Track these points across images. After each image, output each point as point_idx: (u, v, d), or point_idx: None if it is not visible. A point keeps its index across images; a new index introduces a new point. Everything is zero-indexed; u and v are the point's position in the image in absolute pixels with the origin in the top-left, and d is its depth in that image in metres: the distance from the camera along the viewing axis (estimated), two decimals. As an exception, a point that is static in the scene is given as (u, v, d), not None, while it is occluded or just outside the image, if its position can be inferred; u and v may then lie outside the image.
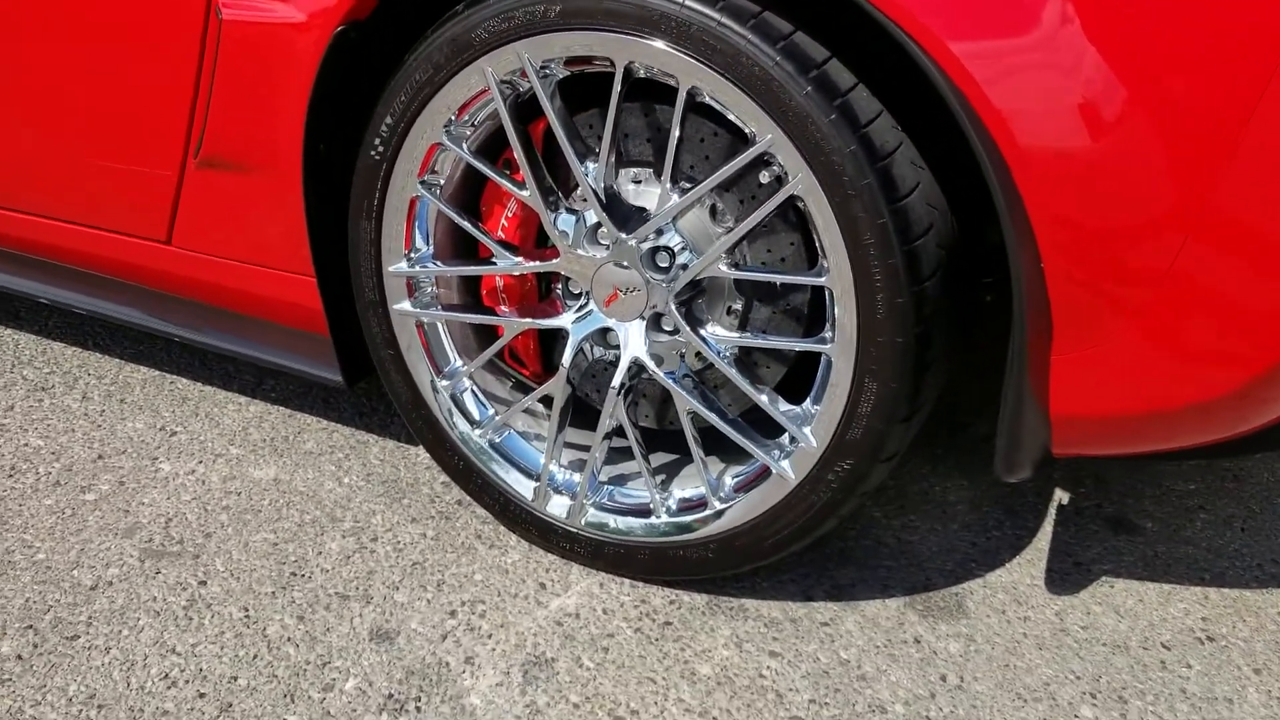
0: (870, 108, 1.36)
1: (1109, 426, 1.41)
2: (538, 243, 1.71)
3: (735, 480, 1.62)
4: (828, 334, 1.47)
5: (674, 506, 1.66)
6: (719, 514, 1.61)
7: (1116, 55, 1.22)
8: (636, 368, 1.61)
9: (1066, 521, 1.87)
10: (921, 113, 1.40)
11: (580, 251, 1.59)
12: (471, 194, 1.70)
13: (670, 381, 1.60)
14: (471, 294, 1.77)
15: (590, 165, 1.53)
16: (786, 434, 1.55)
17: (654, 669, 1.58)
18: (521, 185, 1.58)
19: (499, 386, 1.79)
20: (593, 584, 1.72)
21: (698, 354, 1.60)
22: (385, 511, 1.86)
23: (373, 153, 1.61)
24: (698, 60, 1.38)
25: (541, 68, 1.48)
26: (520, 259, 1.64)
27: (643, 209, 1.56)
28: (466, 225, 1.64)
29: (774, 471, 1.55)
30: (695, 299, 1.58)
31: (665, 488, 1.68)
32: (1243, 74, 1.19)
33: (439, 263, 1.69)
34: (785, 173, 1.41)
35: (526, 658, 1.59)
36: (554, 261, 1.61)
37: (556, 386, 1.66)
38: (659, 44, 1.39)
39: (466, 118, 1.57)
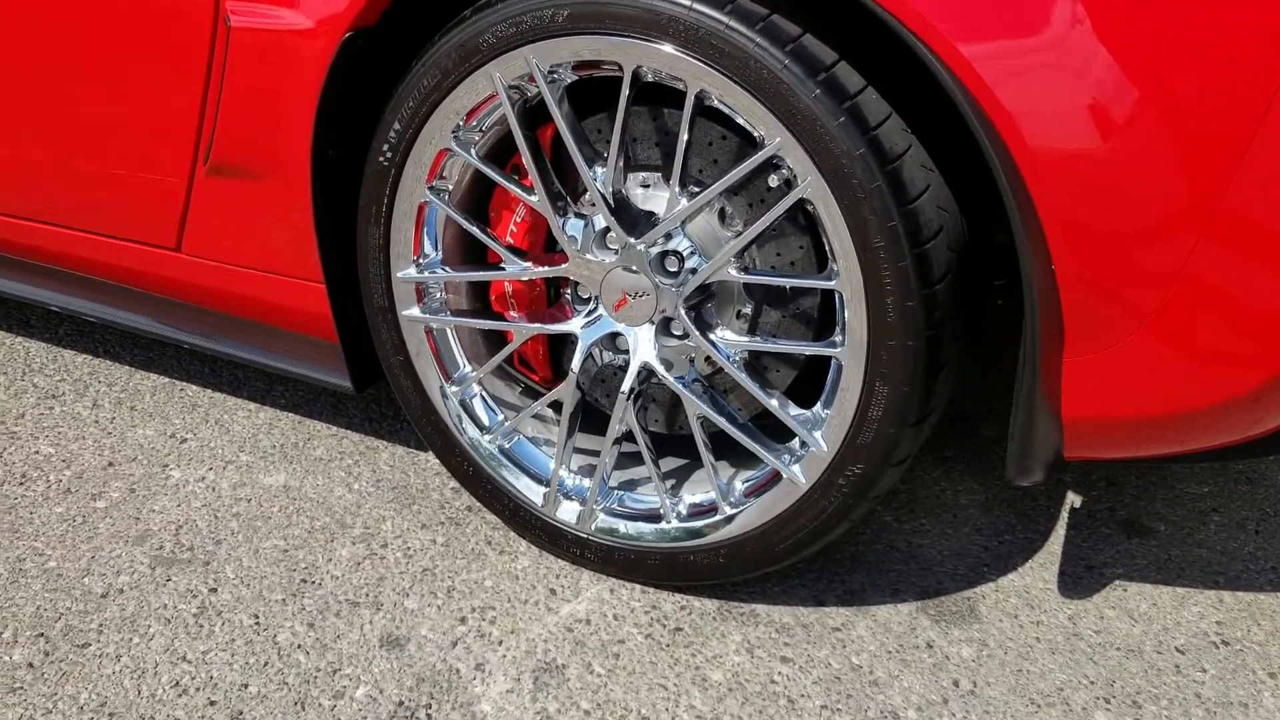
0: (879, 110, 1.36)
1: (1121, 429, 1.40)
2: (546, 248, 1.71)
3: (746, 485, 1.62)
4: (838, 338, 1.46)
5: (684, 512, 1.66)
6: (729, 519, 1.61)
7: (1127, 56, 1.21)
8: (646, 372, 1.61)
9: (1079, 525, 1.86)
10: (931, 115, 1.40)
11: (589, 256, 1.58)
12: (480, 199, 1.70)
13: (680, 386, 1.59)
14: (480, 299, 1.76)
15: (598, 170, 1.53)
16: (797, 438, 1.54)
17: (665, 675, 1.57)
18: (530, 190, 1.58)
19: (508, 392, 1.79)
20: (603, 590, 1.71)
21: (707, 358, 1.60)
22: (395, 518, 1.86)
23: (381, 158, 1.61)
24: (706, 64, 1.38)
25: (549, 72, 1.48)
26: (529, 264, 1.64)
27: (651, 213, 1.56)
28: (475, 231, 1.64)
29: (784, 476, 1.55)
30: (704, 303, 1.58)
31: (675, 493, 1.68)
32: (1253, 73, 1.18)
33: (448, 268, 1.69)
34: (794, 176, 1.40)
35: (537, 664, 1.59)
36: (563, 266, 1.61)
37: (566, 392, 1.66)
38: (667, 48, 1.39)
39: (474, 123, 1.57)
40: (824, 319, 1.55)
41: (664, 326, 1.61)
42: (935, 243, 1.38)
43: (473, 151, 1.59)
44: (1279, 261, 1.24)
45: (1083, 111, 1.23)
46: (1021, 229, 1.30)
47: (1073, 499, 1.92)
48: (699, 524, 1.63)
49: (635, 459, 1.69)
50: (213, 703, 1.52)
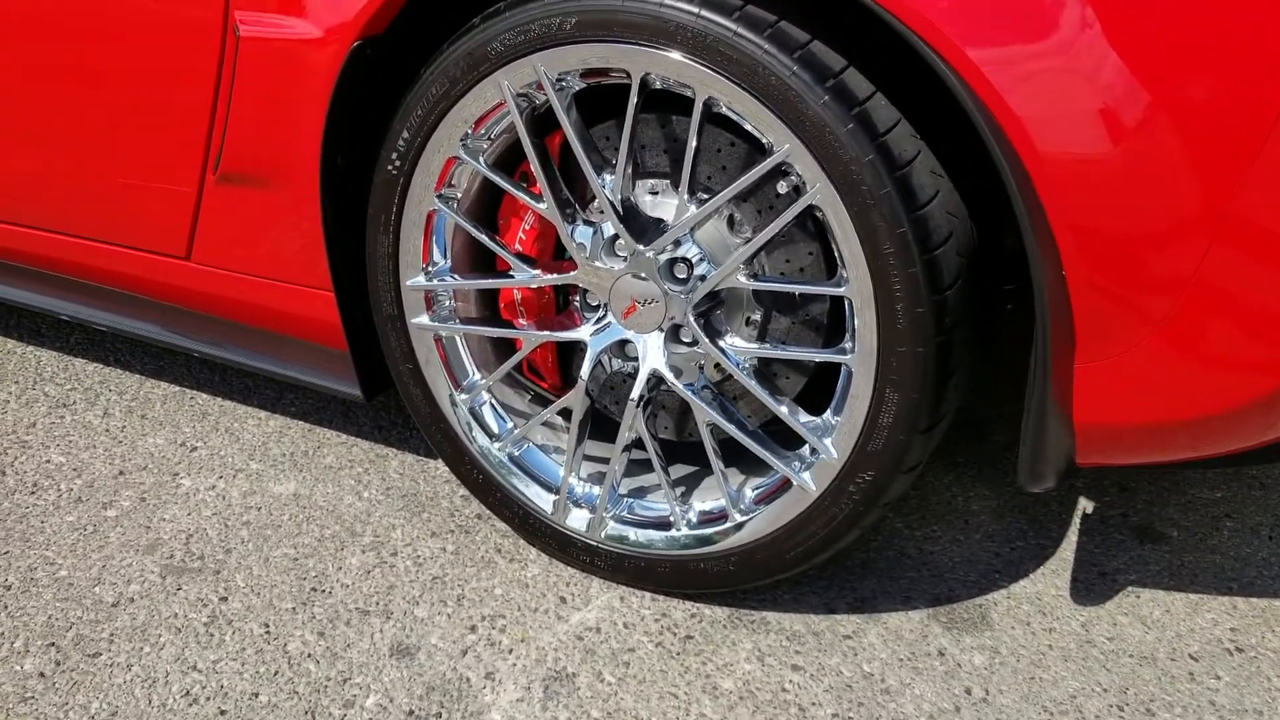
0: (888, 116, 1.35)
1: (1134, 435, 1.39)
2: (555, 255, 1.71)
3: (756, 492, 1.61)
4: (847, 344, 1.46)
5: (694, 519, 1.65)
6: (740, 526, 1.60)
7: (1137, 60, 1.21)
8: (655, 379, 1.61)
9: (1091, 531, 1.85)
10: (940, 120, 1.39)
11: (598, 263, 1.58)
12: (488, 207, 1.70)
13: (689, 393, 1.59)
14: (489, 307, 1.76)
15: (607, 177, 1.53)
16: (807, 445, 1.54)
17: (676, 684, 1.57)
18: (538, 198, 1.58)
19: (517, 400, 1.79)
20: (613, 598, 1.71)
21: (717, 365, 1.59)
22: (405, 526, 1.86)
23: (390, 167, 1.62)
24: (714, 71, 1.37)
25: (557, 80, 1.48)
26: (538, 271, 1.64)
27: (660, 220, 1.56)
28: (484, 239, 1.64)
29: (795, 483, 1.54)
30: (714, 310, 1.58)
31: (685, 500, 1.67)
32: (1265, 77, 1.18)
33: (456, 276, 1.69)
34: (803, 182, 1.40)
35: (547, 673, 1.58)
36: (571, 274, 1.61)
37: (575, 399, 1.66)
38: (675, 55, 1.39)
39: (483, 131, 1.57)
40: (834, 325, 1.55)
41: (673, 333, 1.60)
42: (945, 249, 1.37)
43: (481, 159, 1.59)
44: (1292, 266, 1.23)
45: (1092, 116, 1.23)
46: (1032, 234, 1.29)
47: (1085, 504, 1.91)
48: (709, 531, 1.63)
49: (645, 466, 1.68)
50: (223, 712, 1.52)
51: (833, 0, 1.34)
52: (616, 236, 1.56)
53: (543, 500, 1.73)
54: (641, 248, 1.53)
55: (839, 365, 1.49)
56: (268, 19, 1.59)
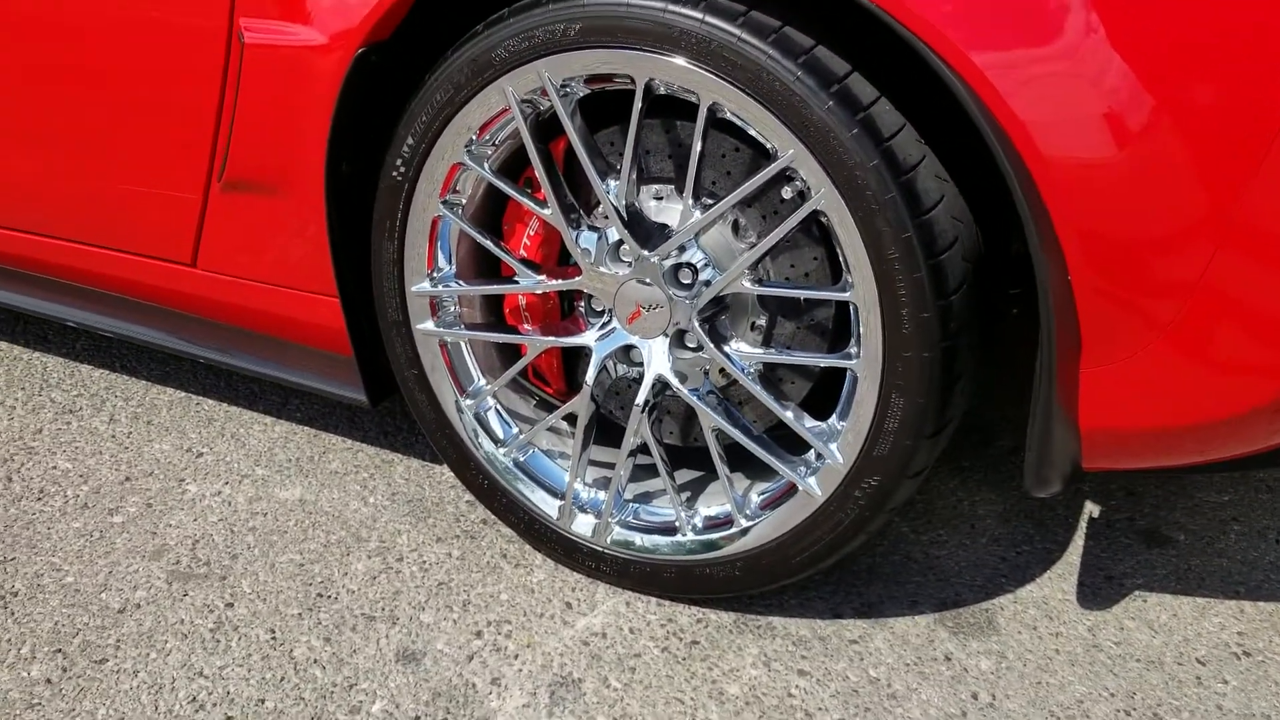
0: (893, 121, 1.35)
1: (1140, 440, 1.39)
2: (560, 261, 1.71)
3: (761, 497, 1.61)
4: (853, 349, 1.46)
5: (700, 524, 1.65)
6: (745, 531, 1.60)
7: (1141, 64, 1.21)
8: (660, 385, 1.61)
9: (1097, 535, 1.85)
10: (944, 125, 1.39)
11: (602, 269, 1.58)
12: (493, 213, 1.70)
13: (694, 398, 1.59)
14: (494, 313, 1.77)
15: (611, 182, 1.53)
16: (812, 450, 1.54)
17: (682, 689, 1.57)
18: (543, 203, 1.58)
19: (523, 405, 1.79)
20: (619, 603, 1.71)
21: (722, 370, 1.59)
22: (410, 531, 1.86)
23: (395, 173, 1.62)
24: (718, 76, 1.37)
25: (562, 86, 1.48)
26: (543, 277, 1.64)
27: (665, 226, 1.56)
28: (489, 244, 1.64)
29: (800, 488, 1.54)
30: (718, 315, 1.58)
31: (691, 505, 1.67)
32: (1270, 81, 1.17)
33: (461, 282, 1.69)
34: (808, 188, 1.40)
35: (553, 678, 1.58)
36: (576, 279, 1.61)
37: (580, 404, 1.66)
38: (679, 61, 1.39)
39: (487, 137, 1.57)
40: (839, 331, 1.55)
41: (678, 339, 1.60)
42: (950, 253, 1.37)
43: (486, 165, 1.59)
44: (1298, 270, 1.23)
45: (1097, 120, 1.23)
46: (1037, 239, 1.29)
47: (1091, 509, 1.90)
48: (715, 536, 1.63)
49: (650, 471, 1.68)
50: (230, 718, 1.52)
51: (837, 5, 1.34)
52: (621, 242, 1.56)
53: (548, 505, 1.73)
54: (646, 253, 1.53)
55: (844, 370, 1.49)
56: (272, 26, 1.59)
